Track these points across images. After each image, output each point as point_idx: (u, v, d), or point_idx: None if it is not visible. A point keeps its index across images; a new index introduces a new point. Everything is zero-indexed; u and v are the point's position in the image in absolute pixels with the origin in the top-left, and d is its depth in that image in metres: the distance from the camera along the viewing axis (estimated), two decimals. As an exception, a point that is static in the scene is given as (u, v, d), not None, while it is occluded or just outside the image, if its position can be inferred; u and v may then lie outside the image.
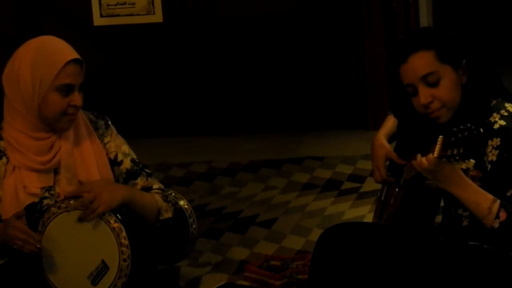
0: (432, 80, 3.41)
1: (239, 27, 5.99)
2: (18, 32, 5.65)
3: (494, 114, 3.42)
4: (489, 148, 3.38)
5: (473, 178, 3.39)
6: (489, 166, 3.38)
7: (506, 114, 3.41)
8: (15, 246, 3.46)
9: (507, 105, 3.45)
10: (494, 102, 3.46)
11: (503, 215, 3.28)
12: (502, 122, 3.39)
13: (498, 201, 3.29)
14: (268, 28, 5.95)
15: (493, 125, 3.39)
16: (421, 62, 3.42)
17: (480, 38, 3.66)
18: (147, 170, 3.78)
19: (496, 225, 3.29)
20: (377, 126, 3.78)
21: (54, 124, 3.61)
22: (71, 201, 3.51)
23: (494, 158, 3.38)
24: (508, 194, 3.35)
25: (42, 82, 3.54)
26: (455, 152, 3.20)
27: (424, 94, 3.41)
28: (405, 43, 3.52)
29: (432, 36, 3.48)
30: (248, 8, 5.95)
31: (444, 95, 3.42)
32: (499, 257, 3.43)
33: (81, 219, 3.48)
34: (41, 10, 6.02)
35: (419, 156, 3.31)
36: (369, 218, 4.40)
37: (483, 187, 3.37)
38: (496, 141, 3.38)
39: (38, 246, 3.46)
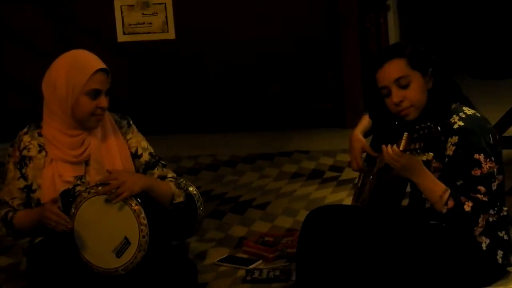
0: (404, 82, 3.44)
1: (239, 44, 5.97)
2: (55, 46, 5.61)
3: (454, 116, 3.45)
4: (448, 144, 3.42)
5: (435, 169, 3.43)
6: (446, 159, 3.40)
7: (464, 116, 3.45)
8: (50, 226, 3.46)
9: (464, 108, 3.49)
10: (454, 106, 3.49)
11: (451, 203, 3.35)
12: (461, 123, 3.42)
13: (449, 191, 3.35)
14: (265, 46, 5.93)
15: (453, 125, 3.42)
16: (394, 67, 3.45)
17: (442, 52, 3.69)
18: (163, 162, 3.78)
19: (444, 210, 3.35)
20: (353, 124, 3.79)
21: (84, 123, 3.61)
22: (100, 187, 3.51)
23: (451, 153, 3.41)
24: (458, 183, 3.38)
25: (74, 87, 3.54)
26: (417, 146, 3.25)
27: (397, 94, 3.44)
28: (382, 52, 3.56)
29: (404, 48, 3.51)
30: (246, 29, 5.94)
31: (413, 96, 3.45)
32: (455, 234, 3.44)
33: (108, 201, 3.47)
34: (75, 28, 6.01)
35: (384, 146, 3.34)
36: (347, 201, 4.39)
37: (442, 176, 3.39)
38: (455, 139, 3.40)
39: (69, 226, 3.45)
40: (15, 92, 6.07)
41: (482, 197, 3.37)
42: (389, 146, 3.33)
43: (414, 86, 3.44)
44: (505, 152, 3.65)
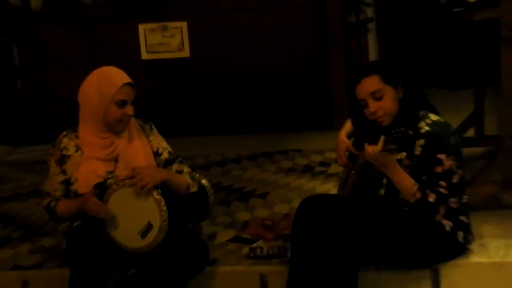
0: (378, 95, 3.45)
1: (244, 61, 5.98)
2: (87, 63, 5.63)
3: (421, 122, 3.46)
4: (416, 146, 3.42)
5: (406, 166, 3.44)
6: (415, 158, 3.42)
7: (429, 122, 3.46)
8: (91, 214, 3.50)
9: (430, 115, 3.49)
10: (421, 113, 3.50)
11: (418, 195, 3.37)
12: (427, 128, 3.43)
13: (417, 185, 3.37)
14: (265, 63, 5.93)
15: (420, 130, 3.42)
16: (370, 83, 3.45)
17: (412, 66, 3.72)
18: (180, 159, 3.80)
19: (412, 200, 3.38)
20: (339, 128, 3.79)
21: (113, 128, 3.63)
22: (127, 180, 3.53)
23: (418, 153, 3.42)
24: (423, 178, 3.40)
25: (105, 98, 3.56)
26: (392, 147, 3.25)
27: (372, 105, 3.45)
28: (360, 70, 3.56)
29: (378, 66, 3.53)
30: (250, 49, 5.94)
31: (386, 106, 3.45)
32: (423, 218, 3.47)
33: (136, 193, 3.50)
34: (105, 48, 6.02)
35: (366, 144, 3.36)
36: (333, 191, 4.39)
37: (411, 172, 3.42)
38: (422, 141, 3.42)
39: (108, 214, 3.50)
40: (52, 101, 6.08)
41: (443, 191, 3.39)
42: (371, 145, 3.37)
43: (387, 98, 3.45)
44: (466, 150, 3.67)
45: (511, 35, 3.84)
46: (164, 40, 5.99)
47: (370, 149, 3.35)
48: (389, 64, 3.54)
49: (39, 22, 6.14)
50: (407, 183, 3.38)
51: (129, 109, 3.61)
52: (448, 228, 3.49)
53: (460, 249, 3.57)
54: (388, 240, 3.45)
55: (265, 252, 3.82)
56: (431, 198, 3.37)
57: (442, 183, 3.39)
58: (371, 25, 6.19)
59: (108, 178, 3.63)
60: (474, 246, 3.63)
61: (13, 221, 4.52)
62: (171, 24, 5.96)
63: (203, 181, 3.82)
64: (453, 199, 3.46)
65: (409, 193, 3.37)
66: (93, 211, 3.49)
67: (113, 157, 3.67)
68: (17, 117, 6.12)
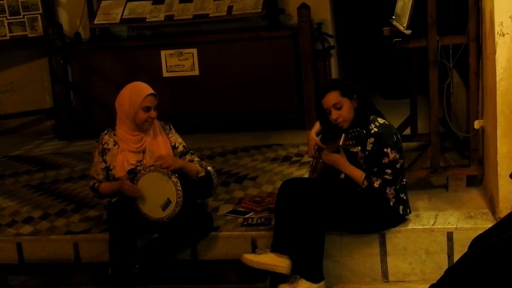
0: (338, 106, 3.41)
1: (240, 78, 5.91)
2: (124, 79, 5.54)
3: (372, 124, 3.43)
4: (368, 143, 3.39)
5: (360, 157, 3.41)
6: (367, 152, 3.38)
7: (377, 124, 3.43)
8: (126, 194, 3.47)
9: (378, 119, 3.47)
10: (371, 117, 3.47)
11: (366, 182, 3.35)
12: (376, 129, 3.41)
13: (365, 175, 3.34)
14: (256, 79, 5.86)
15: (371, 130, 3.39)
16: (332, 97, 3.41)
17: (363, 82, 3.65)
18: (191, 151, 3.77)
19: (363, 186, 3.34)
20: (310, 128, 3.76)
21: (141, 127, 3.60)
22: (152, 167, 3.49)
23: (369, 149, 3.40)
24: (374, 169, 3.36)
25: (134, 105, 3.54)
26: (350, 143, 3.24)
27: (335, 114, 3.41)
28: (324, 87, 3.51)
29: (337, 83, 3.47)
30: (244, 69, 5.87)
31: (345, 114, 3.42)
32: (373, 196, 3.41)
33: (158, 176, 3.44)
34: (137, 68, 5.96)
35: (322, 151, 3.34)
36: (305, 175, 4.36)
37: (365, 162, 3.39)
38: (372, 139, 3.40)
39: (139, 194, 3.46)
40: (96, 108, 6.03)
41: (388, 177, 3.36)
42: (324, 151, 3.36)
43: (345, 107, 3.41)
44: (404, 144, 3.66)
45: (436, 59, 3.81)
46: (180, 62, 5.94)
47: (323, 154, 3.34)
48: (345, 81, 3.51)
49: (87, 49, 6.12)
50: (356, 174, 3.36)
51: (153, 113, 3.58)
52: (391, 203, 3.46)
53: (401, 219, 3.55)
54: (346, 212, 3.43)
55: (255, 221, 3.78)
56: (376, 184, 3.35)
57: (388, 170, 3.36)
58: (333, 51, 6.13)
59: (138, 166, 3.59)
60: (411, 216, 3.61)
61: (67, 197, 4.46)
62: (185, 51, 5.91)
63: (209, 168, 3.79)
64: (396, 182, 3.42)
65: (359, 181, 3.36)
66: (127, 191, 3.46)
67: (141, 150, 3.62)
68: (71, 119, 6.11)
